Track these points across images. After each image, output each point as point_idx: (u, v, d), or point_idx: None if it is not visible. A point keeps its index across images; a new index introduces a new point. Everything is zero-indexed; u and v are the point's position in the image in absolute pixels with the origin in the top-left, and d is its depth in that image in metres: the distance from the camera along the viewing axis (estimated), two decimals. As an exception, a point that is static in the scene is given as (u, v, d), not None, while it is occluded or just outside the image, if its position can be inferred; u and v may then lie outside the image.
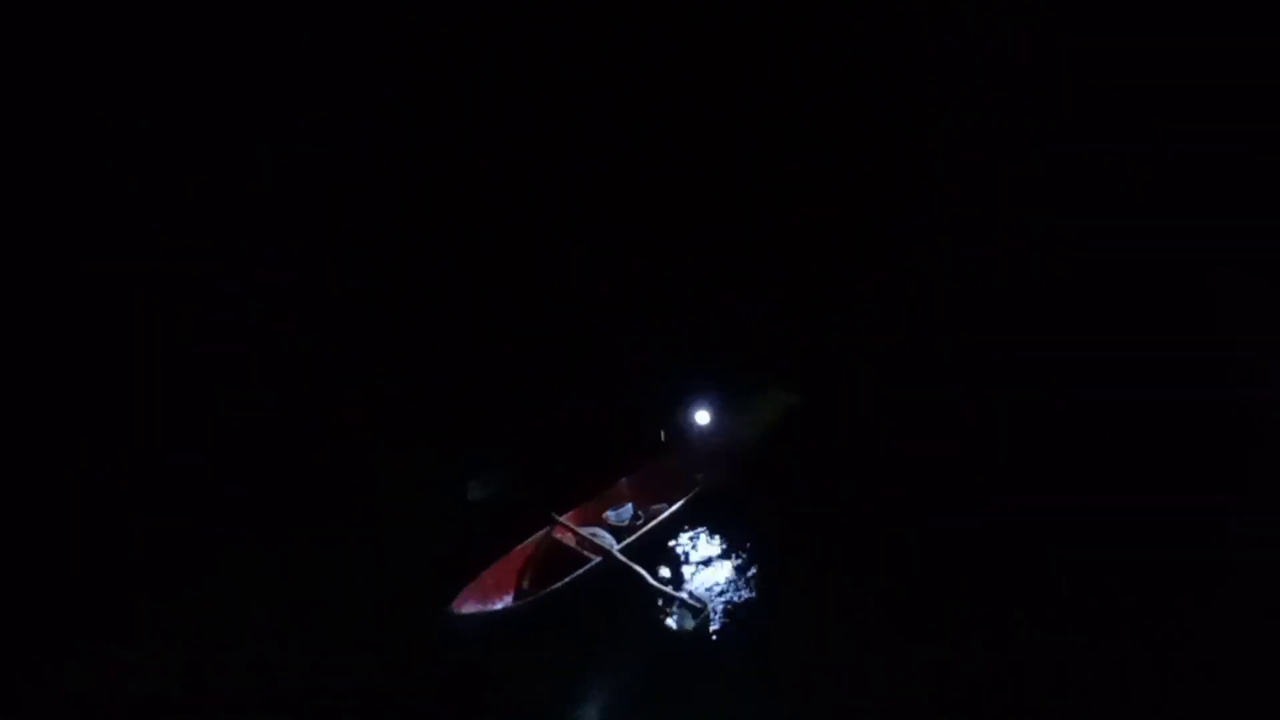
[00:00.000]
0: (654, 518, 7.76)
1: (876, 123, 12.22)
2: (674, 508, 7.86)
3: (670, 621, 6.83)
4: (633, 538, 7.50)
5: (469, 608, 6.62)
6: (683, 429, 8.73)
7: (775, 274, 10.55)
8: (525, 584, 7.12)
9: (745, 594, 7.28)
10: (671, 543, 7.80)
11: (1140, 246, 10.38)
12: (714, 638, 6.78)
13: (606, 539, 7.45)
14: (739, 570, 7.55)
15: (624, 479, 8.31)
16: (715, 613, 6.95)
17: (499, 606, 6.78)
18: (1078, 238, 10.80)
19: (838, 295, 10.06)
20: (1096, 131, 11.49)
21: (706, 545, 7.84)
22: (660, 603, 6.96)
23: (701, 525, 8.02)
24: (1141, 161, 11.03)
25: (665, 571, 7.45)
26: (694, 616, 6.76)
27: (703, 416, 8.70)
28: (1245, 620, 6.50)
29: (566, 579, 6.96)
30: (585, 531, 7.50)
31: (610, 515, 7.90)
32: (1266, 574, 6.81)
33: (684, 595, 6.93)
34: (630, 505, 8.04)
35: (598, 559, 7.21)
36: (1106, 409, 8.75)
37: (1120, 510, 7.61)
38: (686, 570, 7.55)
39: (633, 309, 9.99)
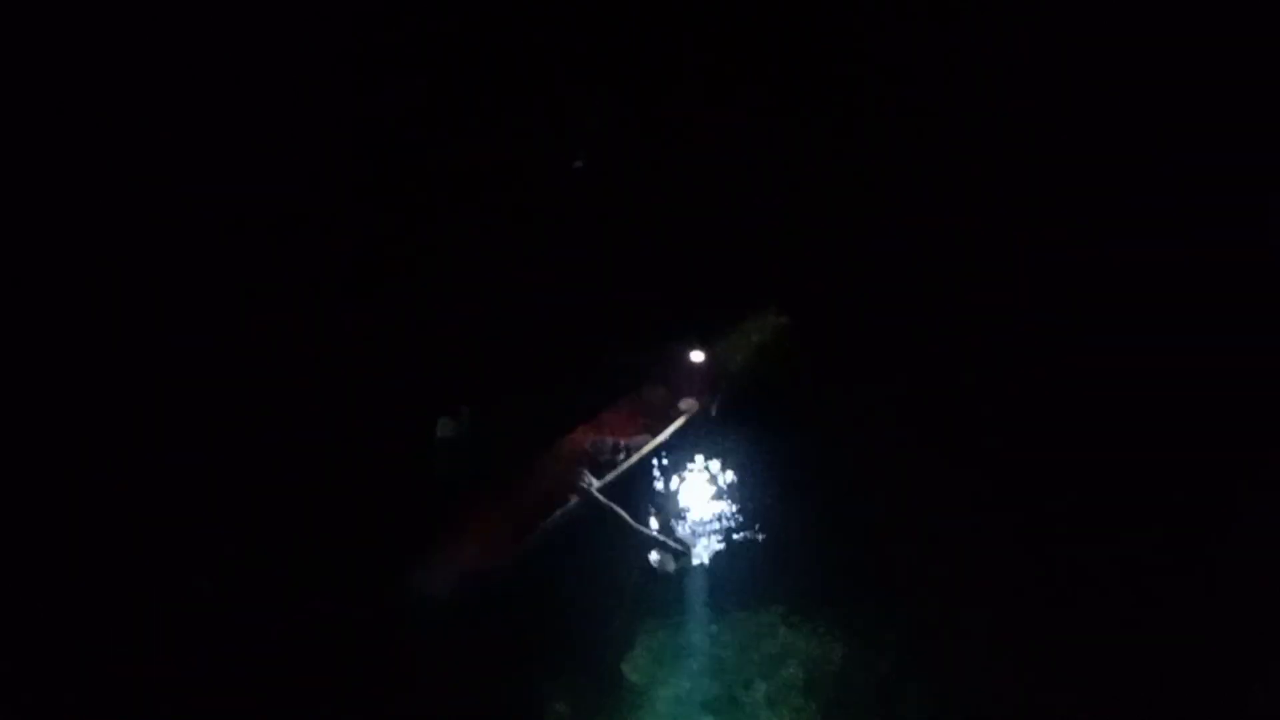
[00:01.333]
0: (635, 452, 7.39)
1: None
2: (656, 441, 7.49)
3: (652, 565, 6.58)
4: (612, 475, 7.15)
5: (439, 566, 6.32)
6: (664, 356, 8.22)
7: (756, 184, 9.70)
8: (498, 534, 6.69)
9: (731, 533, 7.03)
10: (653, 479, 7.47)
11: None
12: (697, 581, 6.57)
13: (585, 478, 7.11)
14: (725, 507, 7.28)
15: (603, 412, 7.82)
16: (699, 554, 6.72)
17: (471, 562, 6.43)
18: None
19: (825, 206, 9.28)
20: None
21: (690, 481, 7.52)
22: (641, 546, 6.69)
23: (685, 459, 7.66)
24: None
25: (646, 511, 7.15)
26: (676, 559, 6.53)
27: (685, 342, 8.20)
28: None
29: (542, 526, 6.66)
30: (561, 470, 7.13)
31: (589, 449, 7.48)
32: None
33: (666, 537, 6.66)
34: (610, 439, 7.57)
35: (575, 501, 6.88)
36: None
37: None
38: (669, 509, 7.24)
39: (607, 229, 9.22)
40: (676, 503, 7.32)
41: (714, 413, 7.86)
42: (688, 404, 7.83)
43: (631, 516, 6.89)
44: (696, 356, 8.09)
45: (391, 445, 7.28)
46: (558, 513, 6.80)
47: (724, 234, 9.16)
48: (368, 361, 7.97)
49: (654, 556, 6.62)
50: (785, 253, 9.00)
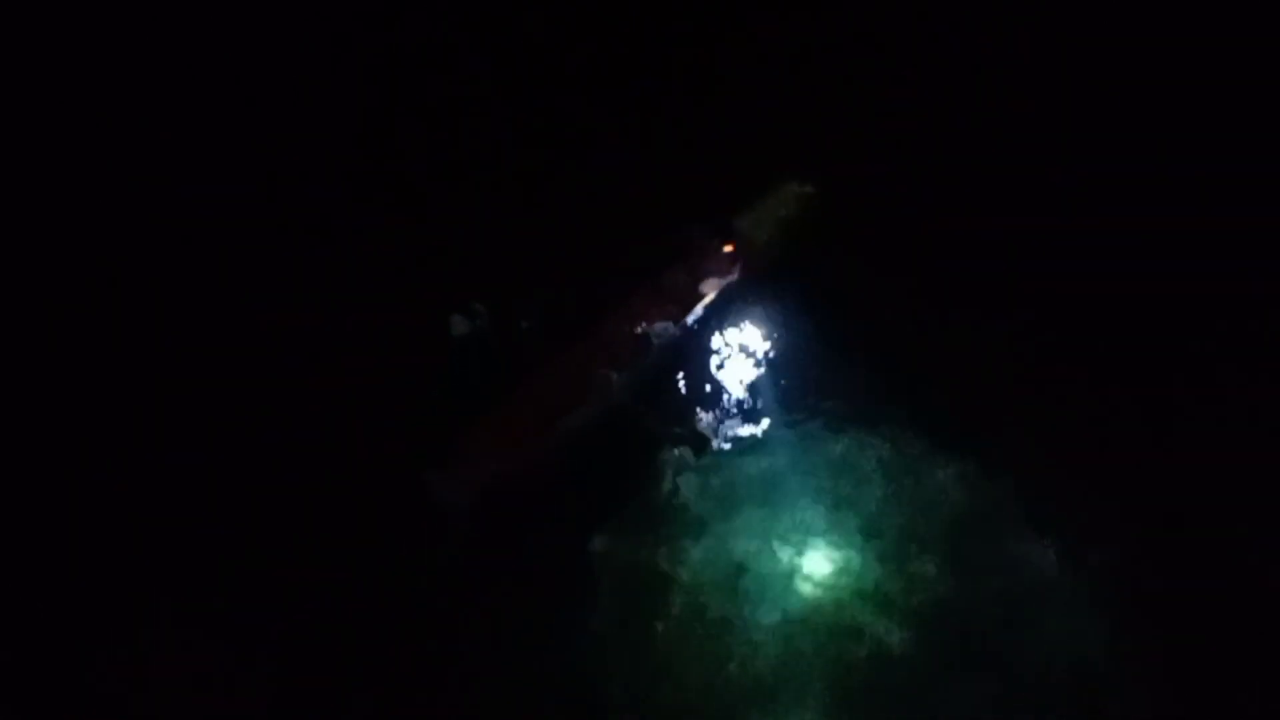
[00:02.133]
0: (655, 341, 7.04)
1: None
2: (679, 328, 7.10)
3: (673, 460, 6.38)
4: (633, 368, 6.85)
5: (454, 475, 6.23)
6: (686, 235, 7.65)
7: (779, 50, 8.54)
8: (518, 436, 6.49)
9: (757, 425, 6.75)
10: (675, 369, 7.13)
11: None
12: (721, 475, 6.36)
13: (606, 372, 6.83)
14: (750, 398, 6.95)
15: (622, 300, 7.36)
16: (723, 448, 6.49)
17: (487, 470, 6.30)
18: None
19: (852, 68, 8.15)
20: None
21: (714, 369, 7.17)
22: (662, 441, 6.48)
23: (709, 346, 7.29)
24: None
25: (668, 404, 6.88)
26: (697, 454, 6.31)
27: (705, 221, 7.59)
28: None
29: (562, 427, 6.48)
30: (581, 365, 6.86)
31: (609, 342, 7.14)
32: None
33: (685, 431, 6.41)
34: (630, 329, 7.15)
35: (595, 399, 6.65)
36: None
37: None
38: (691, 401, 6.95)
39: (627, 98, 8.36)
40: (702, 389, 7.03)
41: (739, 293, 7.38)
42: (711, 285, 7.36)
43: (654, 408, 6.66)
44: (717, 235, 7.52)
45: (405, 345, 7.13)
46: (579, 413, 6.60)
47: (742, 107, 8.25)
48: (379, 260, 7.71)
49: (674, 452, 6.40)
50: (806, 123, 8.07)
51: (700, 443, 6.47)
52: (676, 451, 6.39)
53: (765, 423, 6.75)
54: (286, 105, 8.79)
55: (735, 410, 6.87)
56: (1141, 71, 8.11)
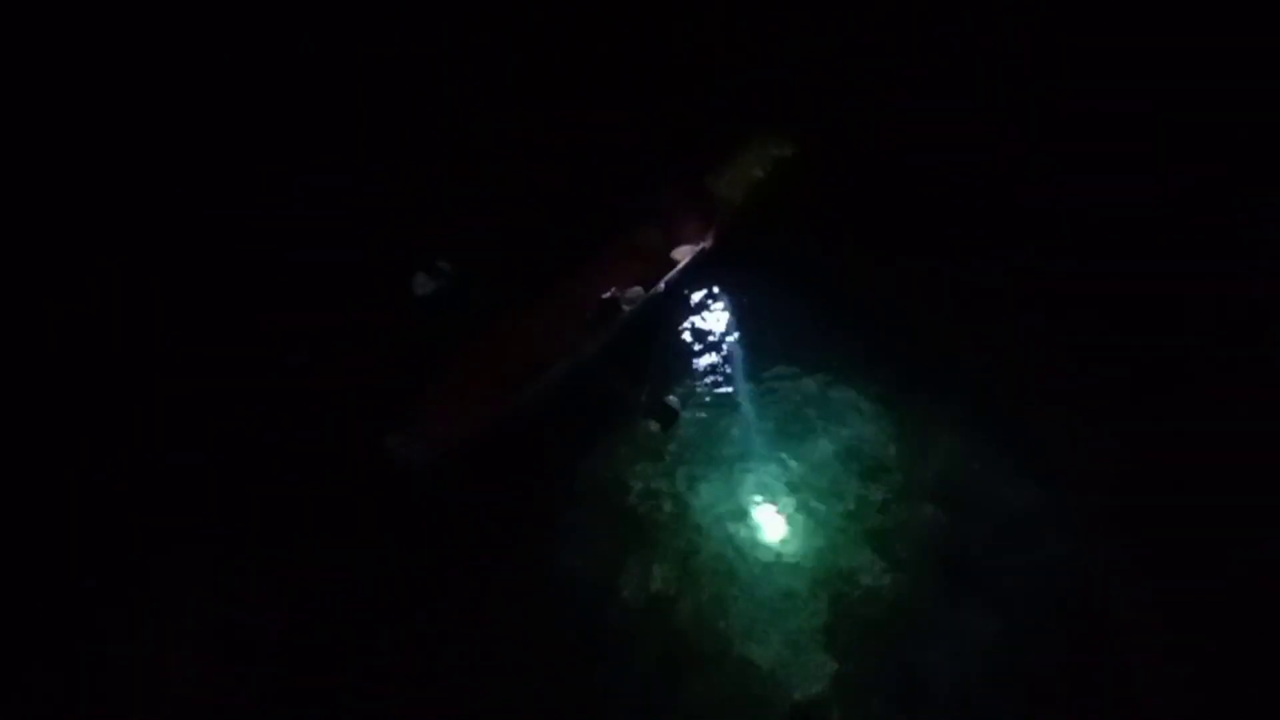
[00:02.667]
0: (626, 305, 6.86)
1: None
2: (649, 292, 6.90)
3: (641, 428, 6.29)
4: (600, 333, 6.69)
5: (415, 436, 6.04)
6: (655, 197, 7.41)
7: (756, 5, 8.13)
8: (478, 400, 6.32)
9: (732, 388, 6.65)
10: (644, 334, 6.95)
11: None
12: (688, 446, 6.30)
13: (573, 336, 6.67)
14: (724, 362, 6.84)
15: (592, 260, 7.15)
16: (691, 416, 6.39)
17: (450, 430, 6.14)
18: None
19: (832, 21, 7.79)
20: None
21: (684, 335, 7.04)
22: (630, 409, 6.36)
23: (680, 311, 7.14)
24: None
25: (636, 370, 6.70)
26: (666, 423, 6.22)
27: (678, 179, 7.36)
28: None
29: (525, 391, 6.33)
30: (547, 328, 6.69)
31: (577, 304, 6.96)
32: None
33: (656, 399, 6.30)
34: (600, 291, 6.96)
35: (561, 363, 6.50)
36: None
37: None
38: (661, 367, 6.81)
39: (600, 52, 7.90)
40: (673, 357, 6.89)
41: (711, 257, 7.20)
42: (684, 250, 7.17)
43: (622, 374, 6.52)
44: (692, 195, 7.30)
45: (366, 305, 6.87)
46: (544, 376, 6.46)
47: (717, 62, 7.90)
48: (336, 215, 7.35)
49: (643, 419, 6.30)
50: (783, 80, 7.77)
51: (670, 408, 6.34)
52: (648, 419, 6.27)
53: (741, 386, 6.65)
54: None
55: (709, 374, 6.76)
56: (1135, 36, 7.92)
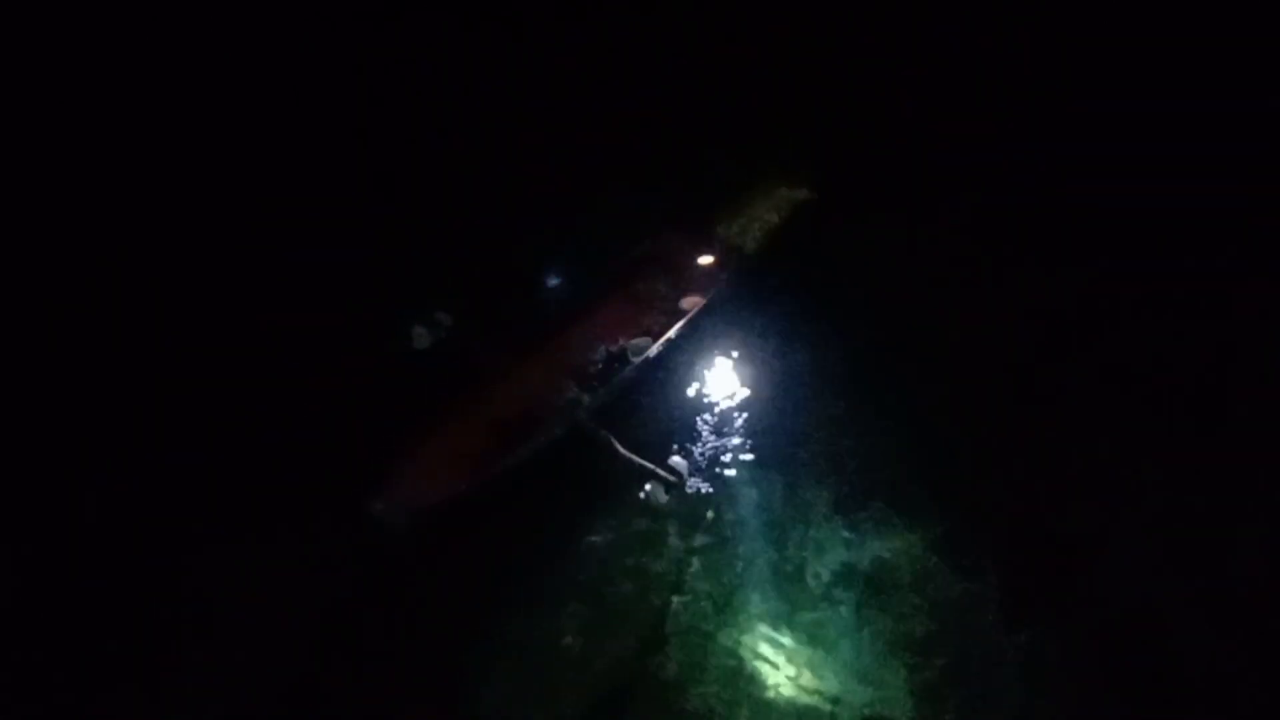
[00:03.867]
0: (632, 357, 6.51)
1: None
2: (655, 346, 6.54)
3: (641, 496, 5.89)
4: (601, 390, 6.34)
5: (397, 499, 5.70)
6: (665, 242, 7.07)
7: (767, 44, 7.75)
8: (468, 460, 5.92)
9: (735, 458, 6.16)
10: (647, 392, 6.55)
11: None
12: (693, 516, 5.85)
13: (570, 392, 6.33)
14: (729, 427, 6.37)
15: (593, 312, 6.83)
16: (696, 485, 5.96)
17: (434, 494, 5.73)
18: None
19: (844, 62, 7.40)
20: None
21: (691, 393, 6.60)
22: (630, 475, 5.96)
23: (686, 366, 6.71)
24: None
25: (639, 429, 6.28)
26: (668, 490, 5.83)
27: (685, 225, 7.02)
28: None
29: (520, 449, 5.99)
30: (543, 383, 6.36)
31: (576, 357, 6.63)
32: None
33: (657, 465, 5.91)
34: (601, 344, 6.68)
35: (557, 423, 6.15)
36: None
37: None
38: (665, 429, 6.35)
39: (603, 93, 7.63)
40: (678, 416, 6.49)
41: (721, 307, 6.81)
42: (692, 301, 6.80)
43: (623, 433, 6.15)
44: (699, 242, 6.95)
45: (363, 358, 6.63)
46: (540, 433, 6.12)
47: (727, 104, 7.56)
48: (334, 264, 7.15)
49: (644, 487, 5.92)
50: (795, 122, 7.40)
51: (675, 473, 5.95)
52: (648, 486, 5.89)
53: (754, 449, 6.21)
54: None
55: (718, 435, 6.33)
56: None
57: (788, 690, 5.07)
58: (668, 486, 5.81)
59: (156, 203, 7.56)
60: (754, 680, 5.11)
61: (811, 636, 5.28)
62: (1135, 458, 5.87)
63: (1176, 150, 7.12)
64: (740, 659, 5.19)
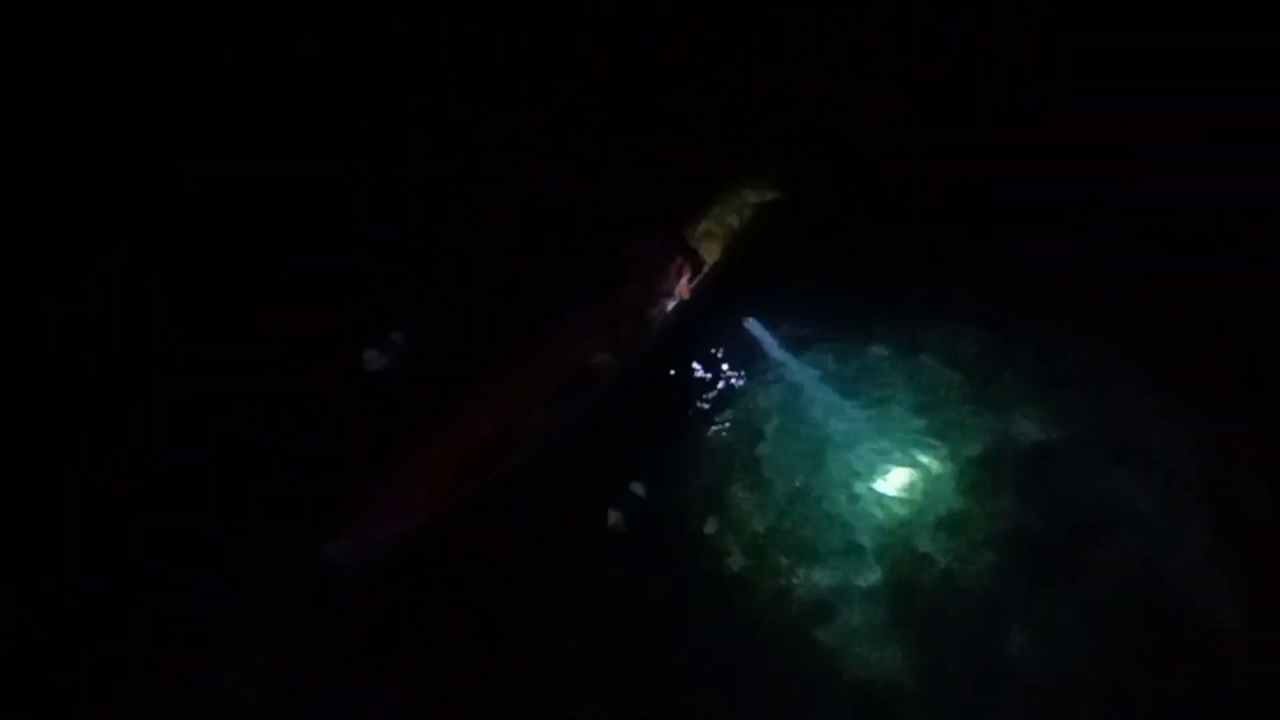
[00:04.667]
0: (598, 375, 6.22)
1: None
2: (623, 359, 6.27)
3: (609, 522, 5.63)
4: (568, 408, 6.05)
5: (351, 537, 5.43)
6: (632, 249, 6.74)
7: (735, 42, 7.36)
8: (424, 494, 5.67)
9: (704, 481, 5.92)
10: (613, 410, 6.21)
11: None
12: (661, 543, 5.61)
13: (533, 414, 6.04)
14: (699, 447, 6.10)
15: (557, 326, 6.45)
16: (663, 510, 5.70)
17: (390, 531, 5.52)
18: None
19: (819, 59, 7.06)
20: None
21: (658, 411, 6.31)
22: (596, 498, 5.71)
23: (654, 383, 6.42)
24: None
25: (603, 453, 6.02)
26: (627, 521, 5.56)
27: (652, 231, 6.69)
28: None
29: (482, 478, 5.71)
30: (504, 405, 6.05)
31: (539, 376, 6.29)
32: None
33: (625, 487, 5.65)
34: (566, 362, 6.31)
35: (523, 445, 5.87)
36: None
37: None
38: (630, 451, 6.08)
39: (565, 94, 7.21)
40: (646, 436, 6.19)
41: (691, 321, 6.52)
42: (659, 307, 6.50)
43: (588, 457, 5.89)
44: (667, 248, 6.63)
45: (308, 383, 6.30)
46: (503, 461, 5.83)
47: (694, 104, 7.16)
48: (281, 282, 6.77)
49: (609, 512, 5.65)
50: (765, 122, 7.03)
51: (639, 499, 5.69)
52: (613, 515, 5.63)
53: (728, 470, 5.96)
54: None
55: (689, 458, 6.07)
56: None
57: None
58: (628, 515, 5.53)
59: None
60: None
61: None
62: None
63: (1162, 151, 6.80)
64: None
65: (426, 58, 7.61)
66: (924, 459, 5.76)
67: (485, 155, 7.18)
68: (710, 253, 6.68)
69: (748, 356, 6.47)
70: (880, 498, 5.65)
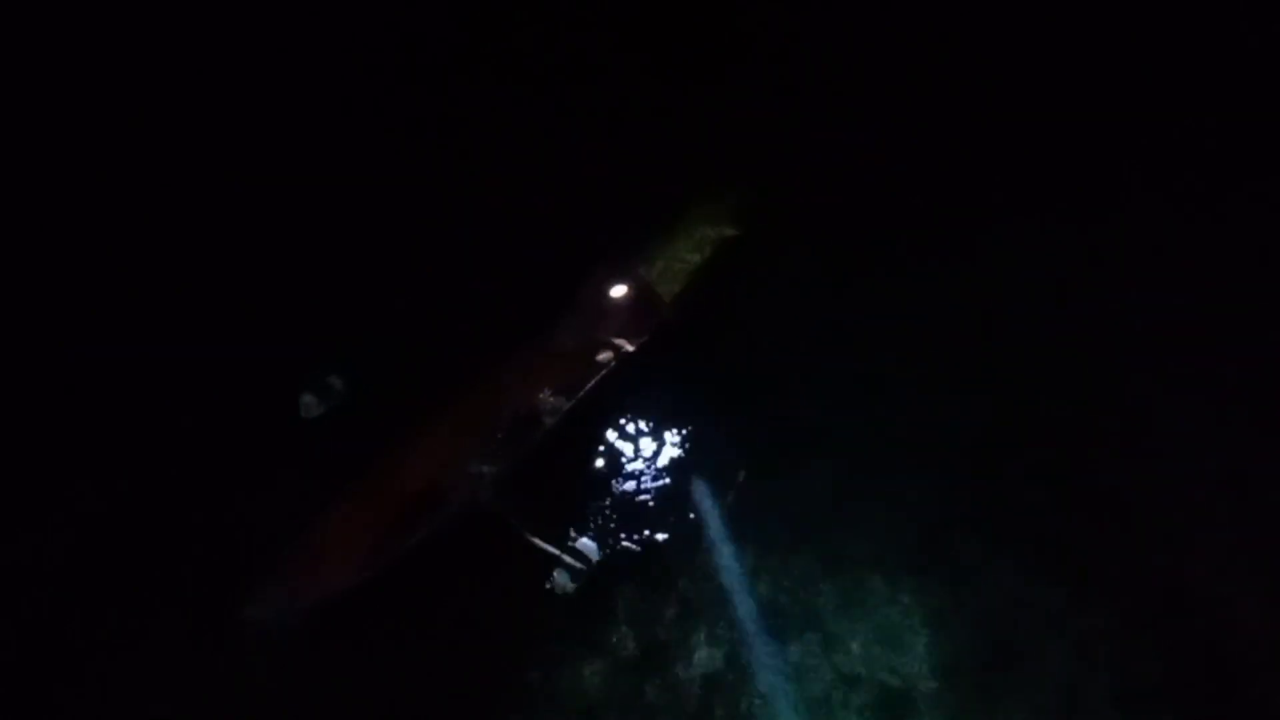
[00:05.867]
0: (546, 418, 5.85)
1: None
2: (568, 404, 5.91)
3: (548, 584, 5.23)
4: (508, 458, 5.67)
5: (273, 599, 5.05)
6: (581, 286, 6.43)
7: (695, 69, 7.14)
8: (352, 551, 5.25)
9: (653, 539, 5.49)
10: (557, 460, 5.86)
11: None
12: (602, 607, 5.18)
13: (473, 465, 5.67)
14: (647, 501, 5.70)
15: (499, 368, 6.09)
16: (606, 570, 5.28)
17: (315, 591, 5.08)
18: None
19: (784, 88, 6.82)
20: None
21: (605, 462, 5.94)
22: (535, 558, 5.30)
23: (602, 429, 6.06)
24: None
25: (549, 506, 5.59)
26: (575, 578, 5.17)
27: (603, 267, 6.39)
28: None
29: (415, 533, 5.33)
30: (443, 454, 5.69)
31: (479, 422, 5.90)
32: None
33: (563, 550, 5.24)
34: (508, 407, 5.94)
35: (459, 496, 5.49)
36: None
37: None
38: (574, 504, 5.68)
39: (513, 118, 6.97)
40: (591, 488, 5.81)
41: (641, 363, 6.16)
42: (611, 353, 6.15)
43: (530, 509, 5.50)
44: (619, 286, 6.32)
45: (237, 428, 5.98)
46: (437, 514, 5.44)
47: (647, 134, 6.92)
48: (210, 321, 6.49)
49: (550, 574, 5.25)
50: (723, 154, 6.78)
51: (584, 556, 5.29)
52: (554, 573, 5.23)
53: (670, 533, 5.55)
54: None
55: (638, 511, 5.68)
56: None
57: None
58: (574, 573, 5.14)
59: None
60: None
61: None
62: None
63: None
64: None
65: (362, 106, 7.41)
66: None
67: (438, 191, 6.92)
68: (667, 291, 6.38)
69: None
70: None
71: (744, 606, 5.09)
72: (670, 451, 5.95)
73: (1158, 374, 5.80)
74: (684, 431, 6.01)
